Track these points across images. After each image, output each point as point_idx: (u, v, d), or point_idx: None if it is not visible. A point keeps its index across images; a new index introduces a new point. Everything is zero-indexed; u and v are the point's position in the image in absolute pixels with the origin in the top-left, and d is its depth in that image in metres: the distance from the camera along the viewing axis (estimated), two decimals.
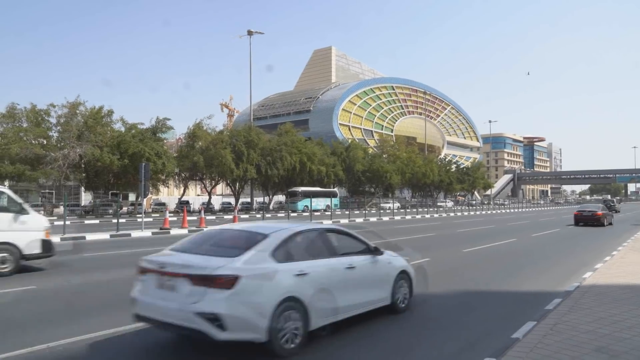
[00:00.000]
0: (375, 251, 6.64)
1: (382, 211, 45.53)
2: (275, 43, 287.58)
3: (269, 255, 5.12)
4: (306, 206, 46.59)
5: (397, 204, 59.88)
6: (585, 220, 28.83)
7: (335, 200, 51.38)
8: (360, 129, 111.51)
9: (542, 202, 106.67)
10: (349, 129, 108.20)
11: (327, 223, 25.50)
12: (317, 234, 6.08)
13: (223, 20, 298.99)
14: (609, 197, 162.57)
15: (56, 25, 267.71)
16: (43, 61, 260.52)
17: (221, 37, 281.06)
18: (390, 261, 6.92)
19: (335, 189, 56.56)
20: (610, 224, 30.34)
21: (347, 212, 44.85)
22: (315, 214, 40.08)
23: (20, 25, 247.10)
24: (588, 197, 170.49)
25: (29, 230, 10.46)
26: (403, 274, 7.03)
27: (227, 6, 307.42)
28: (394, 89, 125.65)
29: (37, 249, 10.48)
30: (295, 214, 41.17)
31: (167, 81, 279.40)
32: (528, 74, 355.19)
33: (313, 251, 5.71)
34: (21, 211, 10.52)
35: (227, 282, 4.64)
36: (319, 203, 49.40)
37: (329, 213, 38.13)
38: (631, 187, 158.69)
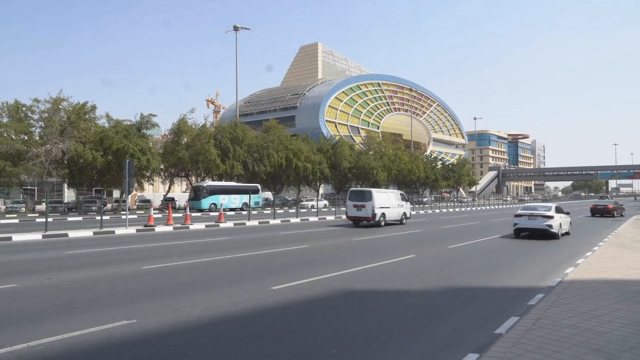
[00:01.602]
0: (567, 213, 20.67)
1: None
2: (261, 39, 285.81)
3: (554, 211, 18.69)
4: (213, 204, 40.81)
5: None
6: (600, 212, 36.65)
7: (256, 198, 45.71)
8: (347, 125, 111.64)
9: (509, 199, 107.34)
10: (336, 126, 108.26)
11: (250, 224, 25.36)
12: (556, 205, 20.24)
13: (215, 17, 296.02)
14: (581, 194, 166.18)
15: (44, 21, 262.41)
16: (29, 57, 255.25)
17: (215, 34, 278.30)
18: (569, 217, 20.65)
19: (257, 185, 49.13)
20: (622, 215, 35.98)
21: (303, 210, 44.79)
22: (229, 213, 34.30)
23: (19, 25, 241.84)
24: (560, 194, 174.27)
25: (407, 209, 26.76)
26: (571, 222, 20.95)
27: (221, 4, 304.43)
28: (380, 86, 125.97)
29: (409, 216, 26.85)
30: (199, 213, 36.62)
31: (158, 78, 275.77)
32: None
33: (559, 211, 19.28)
34: (407, 201, 27.24)
35: (551, 217, 18.25)
36: (233, 200, 43.31)
37: (248, 212, 32.70)
38: (612, 183, 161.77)
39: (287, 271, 10.60)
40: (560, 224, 18.55)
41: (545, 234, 18.15)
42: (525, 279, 10.05)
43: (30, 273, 10.19)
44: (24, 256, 12.90)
